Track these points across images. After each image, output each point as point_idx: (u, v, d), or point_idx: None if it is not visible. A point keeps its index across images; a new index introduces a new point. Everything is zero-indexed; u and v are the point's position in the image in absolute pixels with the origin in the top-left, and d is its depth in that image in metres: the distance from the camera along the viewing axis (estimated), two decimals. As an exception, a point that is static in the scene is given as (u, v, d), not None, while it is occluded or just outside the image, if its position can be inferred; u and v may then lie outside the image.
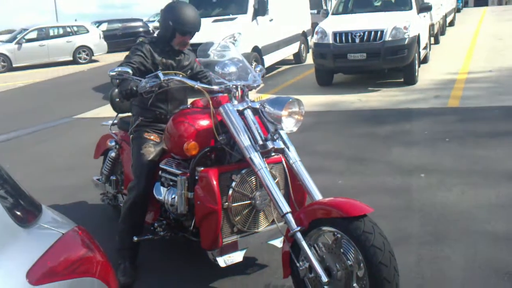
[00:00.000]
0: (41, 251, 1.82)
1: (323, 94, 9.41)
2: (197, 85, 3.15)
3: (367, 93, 9.16)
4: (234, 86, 3.13)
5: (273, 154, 3.07)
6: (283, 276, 2.92)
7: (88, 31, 21.11)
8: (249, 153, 2.92)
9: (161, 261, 3.79)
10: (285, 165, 3.11)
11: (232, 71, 3.16)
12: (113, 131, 4.37)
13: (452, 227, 3.86)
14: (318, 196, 2.91)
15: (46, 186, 5.61)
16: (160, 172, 3.50)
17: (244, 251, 3.24)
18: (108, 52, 21.49)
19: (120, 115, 4.24)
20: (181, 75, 3.49)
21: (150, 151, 3.53)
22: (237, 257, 3.21)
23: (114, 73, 3.18)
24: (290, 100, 2.95)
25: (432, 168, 5.12)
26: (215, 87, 3.16)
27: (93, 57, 20.76)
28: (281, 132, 3.03)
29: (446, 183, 4.70)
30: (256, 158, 2.91)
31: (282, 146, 3.02)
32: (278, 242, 3.33)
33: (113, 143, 4.22)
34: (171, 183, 3.40)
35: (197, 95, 3.23)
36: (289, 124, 2.97)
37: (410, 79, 9.48)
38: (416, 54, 9.49)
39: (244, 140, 2.96)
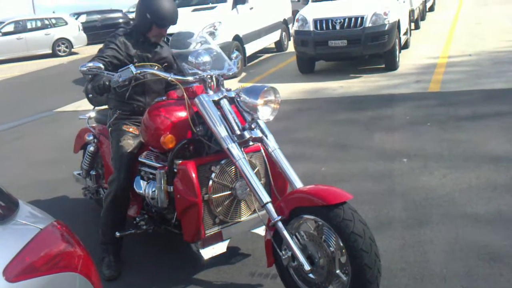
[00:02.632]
0: (18, 247, 1.79)
1: (305, 81, 9.40)
2: (171, 76, 3.10)
3: (348, 79, 9.17)
4: (209, 76, 3.08)
5: (251, 143, 3.04)
6: (267, 265, 2.93)
7: (66, 23, 20.78)
8: (227, 144, 2.89)
9: (145, 254, 3.78)
10: (264, 154, 3.09)
11: (206, 60, 3.10)
12: (91, 125, 4.31)
13: (435, 210, 3.90)
14: (298, 184, 2.90)
15: (27, 181, 5.55)
16: (139, 166, 3.47)
17: (227, 242, 3.23)
18: (88, 44, 21.19)
19: (97, 108, 4.18)
20: (156, 67, 3.44)
21: (129, 143, 3.48)
22: (220, 248, 3.20)
23: (85, 69, 3.11)
24: (266, 88, 2.90)
25: (414, 152, 5.15)
26: (190, 78, 3.10)
27: (72, 50, 20.46)
28: (259, 120, 3.00)
29: (428, 167, 4.73)
30: (234, 149, 2.88)
31: (260, 135, 2.98)
32: (261, 230, 3.31)
33: (91, 137, 4.17)
34: (150, 176, 3.36)
35: (174, 87, 3.19)
36: (265, 113, 2.93)
37: (391, 64, 9.50)
38: (397, 40, 9.50)
39: (221, 131, 2.92)
